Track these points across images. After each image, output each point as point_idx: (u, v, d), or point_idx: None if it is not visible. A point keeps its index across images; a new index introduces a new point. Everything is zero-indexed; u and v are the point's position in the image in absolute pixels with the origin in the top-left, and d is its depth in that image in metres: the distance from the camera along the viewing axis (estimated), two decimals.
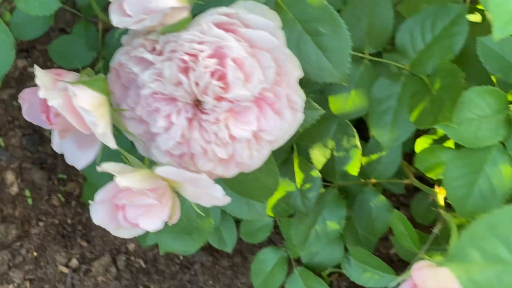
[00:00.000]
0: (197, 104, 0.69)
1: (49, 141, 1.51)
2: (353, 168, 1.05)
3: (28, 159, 1.51)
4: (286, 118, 0.70)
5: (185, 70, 0.67)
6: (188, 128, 0.70)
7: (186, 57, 0.65)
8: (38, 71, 0.67)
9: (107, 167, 0.68)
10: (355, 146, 1.04)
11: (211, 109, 0.68)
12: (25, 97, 0.71)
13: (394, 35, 0.89)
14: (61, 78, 0.68)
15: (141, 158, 0.73)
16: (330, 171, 1.06)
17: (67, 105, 0.67)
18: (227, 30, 0.66)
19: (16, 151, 1.52)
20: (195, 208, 0.78)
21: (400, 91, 0.87)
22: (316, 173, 1.03)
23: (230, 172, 0.72)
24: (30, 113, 0.72)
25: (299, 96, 0.70)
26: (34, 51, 1.56)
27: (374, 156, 1.08)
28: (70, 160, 0.73)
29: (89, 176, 1.12)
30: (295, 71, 0.70)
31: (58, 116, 0.68)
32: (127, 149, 0.73)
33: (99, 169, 0.68)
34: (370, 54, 0.92)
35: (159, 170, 0.68)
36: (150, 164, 0.73)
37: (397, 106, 0.87)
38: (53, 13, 1.24)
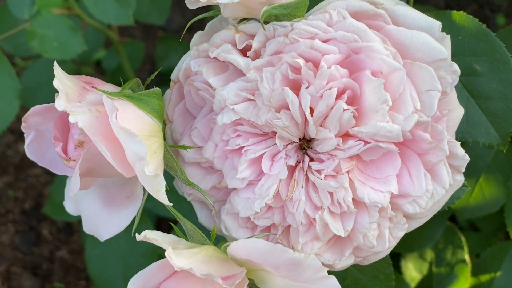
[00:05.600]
0: (303, 144, 0.43)
1: (47, 241, 1.24)
2: None
3: (19, 262, 1.25)
4: (443, 180, 0.44)
5: (295, 85, 0.41)
6: (287, 182, 0.43)
7: (300, 62, 0.40)
8: (58, 70, 0.41)
9: (150, 236, 0.42)
10: (463, 261, 0.77)
11: (328, 153, 0.42)
12: (31, 120, 0.45)
13: None
14: (94, 87, 0.43)
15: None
16: None
17: (99, 126, 0.41)
18: (368, 26, 0.41)
19: (6, 250, 1.25)
20: None
21: None
22: None
23: (342, 261, 0.45)
24: (35, 146, 0.46)
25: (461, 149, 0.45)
26: None
27: (484, 278, 0.80)
28: (90, 226, 0.46)
29: (99, 278, 0.83)
30: (459, 108, 0.45)
31: (82, 146, 0.42)
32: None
33: (140, 237, 0.41)
34: None
35: (238, 245, 0.41)
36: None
37: None
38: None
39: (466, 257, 0.79)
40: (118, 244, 0.86)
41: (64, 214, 0.94)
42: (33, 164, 1.32)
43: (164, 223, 1.15)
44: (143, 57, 1.10)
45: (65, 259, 1.24)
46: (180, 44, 1.14)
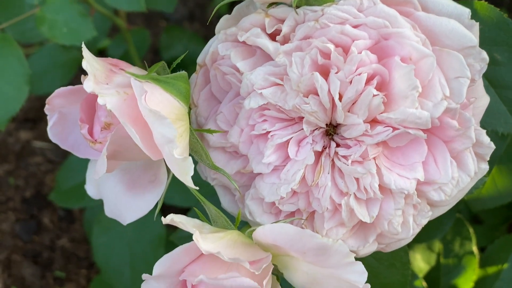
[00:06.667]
0: (329, 130, 0.43)
1: (48, 230, 1.24)
2: (465, 282, 0.78)
3: (19, 250, 1.24)
4: (468, 168, 0.44)
5: (324, 70, 0.41)
6: (313, 168, 0.43)
7: (330, 47, 0.40)
8: (86, 52, 0.41)
9: (177, 219, 0.42)
10: (471, 252, 0.77)
11: (355, 139, 0.42)
12: (54, 102, 0.45)
13: None
14: (121, 70, 0.42)
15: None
16: (433, 283, 0.79)
17: (127, 109, 0.41)
18: (397, 12, 0.41)
19: (6, 238, 1.24)
20: None
21: None
22: (420, 283, 0.76)
23: (366, 248, 0.45)
24: (59, 129, 0.46)
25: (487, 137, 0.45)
26: (42, 123, 1.30)
27: (491, 270, 0.80)
28: (112, 209, 0.46)
29: (105, 266, 0.83)
30: (485, 96, 0.45)
31: (108, 128, 0.42)
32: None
33: (166, 220, 0.41)
34: None
35: (265, 229, 0.41)
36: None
37: None
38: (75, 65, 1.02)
39: (474, 248, 0.78)
40: (125, 231, 0.86)
41: (70, 202, 0.94)
42: (34, 152, 1.32)
43: (167, 212, 1.15)
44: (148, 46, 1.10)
45: (66, 248, 1.24)
46: (184, 33, 1.14)
